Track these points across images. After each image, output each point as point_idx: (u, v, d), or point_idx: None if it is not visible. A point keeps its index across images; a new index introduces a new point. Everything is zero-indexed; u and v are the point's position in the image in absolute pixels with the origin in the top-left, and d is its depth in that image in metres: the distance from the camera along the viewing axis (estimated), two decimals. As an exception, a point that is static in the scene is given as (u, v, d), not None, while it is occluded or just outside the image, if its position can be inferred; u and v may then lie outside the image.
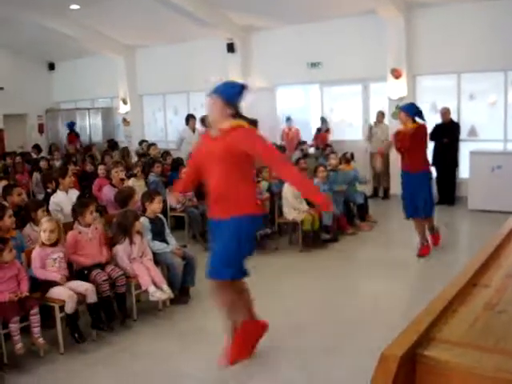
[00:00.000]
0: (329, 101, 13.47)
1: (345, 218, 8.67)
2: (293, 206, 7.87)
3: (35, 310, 4.65)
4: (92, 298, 4.97)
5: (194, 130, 11.84)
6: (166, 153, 11.44)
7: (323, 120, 12.83)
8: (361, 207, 9.22)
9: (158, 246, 5.88)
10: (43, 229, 5.03)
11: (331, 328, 5.11)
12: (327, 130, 12.69)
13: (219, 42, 13.95)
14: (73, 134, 16.83)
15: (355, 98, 12.96)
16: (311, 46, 12.80)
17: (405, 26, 11.32)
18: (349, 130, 13.04)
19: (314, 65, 12.97)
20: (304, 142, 12.06)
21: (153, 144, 12.34)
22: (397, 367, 1.52)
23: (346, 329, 5.05)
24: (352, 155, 10.10)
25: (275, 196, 8.28)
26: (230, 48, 13.89)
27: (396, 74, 11.51)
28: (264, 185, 8.59)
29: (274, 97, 13.67)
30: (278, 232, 8.25)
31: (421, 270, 6.97)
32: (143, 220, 5.89)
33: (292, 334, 5.02)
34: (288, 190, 7.89)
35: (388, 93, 11.80)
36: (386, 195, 11.77)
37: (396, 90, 11.63)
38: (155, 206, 6.07)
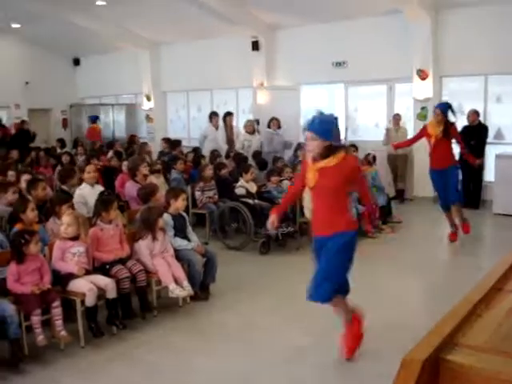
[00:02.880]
0: (353, 101, 13.38)
1: (369, 218, 8.57)
2: (308, 207, 7.83)
3: (57, 303, 4.70)
4: (111, 293, 5.00)
5: (216, 128, 11.86)
6: (194, 149, 11.57)
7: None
8: (383, 209, 9.11)
9: (180, 242, 5.91)
10: (63, 222, 5.10)
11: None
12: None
13: (244, 40, 13.94)
14: (94, 127, 16.72)
15: (380, 98, 12.86)
16: (336, 45, 12.72)
17: (432, 27, 11.19)
18: (374, 130, 12.93)
19: (338, 64, 12.90)
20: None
21: (178, 141, 12.42)
22: (419, 371, 1.49)
23: (368, 332, 5.00)
24: (374, 157, 9.99)
25: (297, 195, 8.24)
26: (255, 46, 13.87)
27: (422, 75, 11.39)
28: (285, 184, 8.57)
29: (298, 96, 13.62)
30: (299, 232, 8.21)
31: (444, 274, 6.90)
32: (166, 217, 5.92)
33: (312, 335, 5.00)
34: (307, 190, 7.83)
35: (414, 94, 11.69)
36: (401, 197, 11.62)
37: (422, 91, 11.51)
38: (180, 204, 6.10)
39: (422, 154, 9.98)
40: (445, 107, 7.72)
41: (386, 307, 5.58)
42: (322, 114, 4.29)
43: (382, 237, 8.60)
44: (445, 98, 11.46)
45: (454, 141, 7.95)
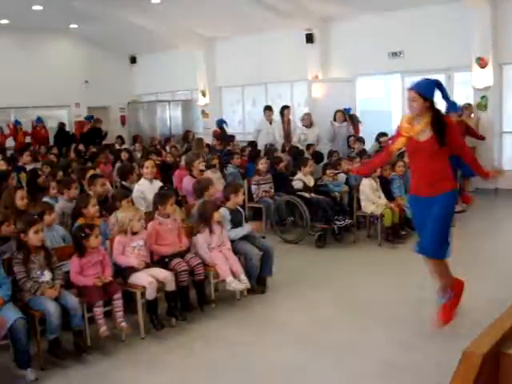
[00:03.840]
0: (410, 91, 13.08)
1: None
2: (371, 200, 7.74)
3: (118, 295, 4.82)
4: (171, 286, 5.09)
5: (270, 122, 11.87)
6: (250, 143, 11.61)
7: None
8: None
9: (234, 232, 5.95)
10: (122, 217, 5.22)
11: (410, 326, 4.99)
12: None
13: (298, 33, 13.87)
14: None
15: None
16: (392, 34, 12.48)
17: (491, 13, 10.82)
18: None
19: (395, 54, 12.66)
20: (384, 134, 11.79)
21: (232, 136, 12.50)
22: (480, 365, 1.46)
23: (425, 328, 4.90)
24: None
25: (353, 189, 8.16)
26: (309, 38, 13.78)
27: (482, 63, 11.04)
28: (342, 177, 8.49)
29: (354, 87, 13.45)
30: (356, 225, 8.12)
31: (504, 268, 6.65)
32: (223, 211, 5.97)
33: (369, 329, 4.94)
34: (366, 184, 7.76)
35: (473, 82, 11.34)
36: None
37: (481, 79, 11.15)
38: (239, 199, 6.14)
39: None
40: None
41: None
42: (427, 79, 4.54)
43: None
44: (505, 87, 11.10)
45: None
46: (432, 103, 4.44)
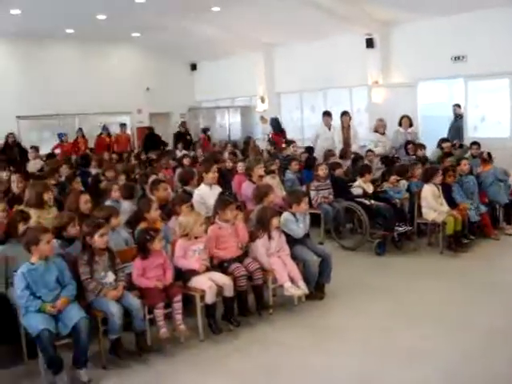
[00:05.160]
0: (474, 96, 12.76)
1: (489, 218, 8.14)
2: (433, 207, 7.57)
3: (178, 298, 4.90)
4: (229, 291, 5.13)
5: (329, 127, 11.80)
6: (307, 149, 11.57)
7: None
8: (508, 208, 8.58)
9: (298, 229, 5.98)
10: (184, 221, 5.30)
11: (472, 335, 4.86)
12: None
13: (358, 38, 13.78)
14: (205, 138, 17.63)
15: (503, 92, 12.15)
16: (455, 38, 12.23)
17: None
18: (496, 127, 12.24)
19: (457, 58, 12.40)
20: (446, 140, 11.51)
21: (292, 141, 12.50)
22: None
23: (487, 338, 4.76)
24: (489, 154, 9.36)
25: (414, 195, 8.01)
26: (369, 43, 13.67)
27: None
28: (403, 184, 8.34)
29: (415, 92, 13.22)
30: (416, 232, 7.95)
31: None
32: (287, 215, 6.00)
33: (430, 338, 4.84)
34: (428, 191, 7.60)
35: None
36: None
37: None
38: (302, 208, 6.12)
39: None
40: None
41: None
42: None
43: (505, 238, 8.09)
44: None
45: None
46: None
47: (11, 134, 14.14)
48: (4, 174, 9.16)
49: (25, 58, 15.93)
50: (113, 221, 5.34)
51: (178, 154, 13.14)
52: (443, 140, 10.47)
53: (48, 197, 6.33)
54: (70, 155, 13.69)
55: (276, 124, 15.55)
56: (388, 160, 10.05)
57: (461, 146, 11.37)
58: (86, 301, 4.66)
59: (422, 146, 10.42)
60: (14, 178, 8.17)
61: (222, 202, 5.74)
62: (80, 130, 16.05)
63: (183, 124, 16.91)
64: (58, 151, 14.70)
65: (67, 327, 4.28)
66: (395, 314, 5.45)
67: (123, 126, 16.87)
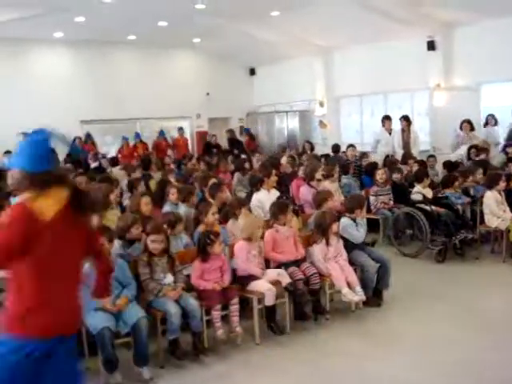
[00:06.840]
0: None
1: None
2: (495, 213, 7.35)
3: (235, 300, 4.97)
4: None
5: (389, 132, 11.64)
6: (364, 154, 11.44)
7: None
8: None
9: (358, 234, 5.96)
10: (245, 225, 5.37)
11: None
12: None
13: (418, 40, 13.50)
14: (249, 139, 17.84)
15: None
16: (520, 39, 11.83)
17: None
18: None
19: (524, 59, 11.97)
20: (511, 145, 11.16)
21: (351, 145, 12.40)
22: None
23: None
24: None
25: (476, 201, 7.80)
26: (431, 46, 13.37)
27: None
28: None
29: (479, 95, 12.87)
30: (479, 240, 7.74)
31: None
32: (346, 220, 5.97)
33: (487, 350, 4.70)
34: (491, 196, 7.39)
35: None
36: None
37: None
38: (364, 212, 6.14)
39: None
40: None
41: None
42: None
43: None
44: None
45: None
46: None
47: (78, 137, 14.70)
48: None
49: (88, 64, 16.37)
50: (177, 227, 5.46)
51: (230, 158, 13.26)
52: (508, 145, 10.15)
53: (113, 198, 6.56)
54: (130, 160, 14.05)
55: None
56: (451, 165, 9.83)
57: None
58: (146, 301, 4.77)
59: (486, 151, 10.14)
60: (81, 179, 8.40)
61: (279, 206, 5.77)
62: (137, 135, 16.42)
63: (229, 131, 17.05)
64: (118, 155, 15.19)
65: (127, 326, 4.40)
66: (453, 324, 5.32)
67: (181, 130, 17.18)
